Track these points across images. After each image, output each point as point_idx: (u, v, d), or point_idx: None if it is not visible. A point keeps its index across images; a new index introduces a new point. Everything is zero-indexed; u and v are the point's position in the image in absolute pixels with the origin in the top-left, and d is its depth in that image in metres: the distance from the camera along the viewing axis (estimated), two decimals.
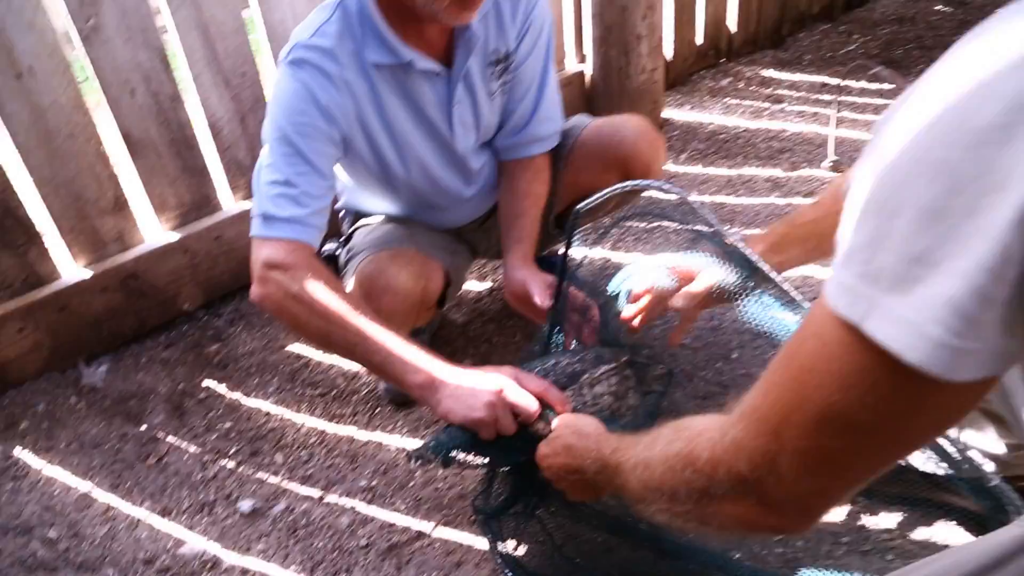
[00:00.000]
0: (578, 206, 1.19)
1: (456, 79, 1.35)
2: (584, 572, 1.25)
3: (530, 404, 1.07)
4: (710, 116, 2.83)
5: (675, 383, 1.54)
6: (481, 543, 1.38)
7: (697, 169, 2.52)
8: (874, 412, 0.51)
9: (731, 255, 1.08)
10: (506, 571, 1.26)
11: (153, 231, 1.98)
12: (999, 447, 1.12)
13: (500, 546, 1.30)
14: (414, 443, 1.62)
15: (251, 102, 1.96)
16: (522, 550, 1.34)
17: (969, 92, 0.44)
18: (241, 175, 2.03)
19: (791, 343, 0.58)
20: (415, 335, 1.46)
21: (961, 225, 0.43)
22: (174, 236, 1.97)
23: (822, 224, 1.12)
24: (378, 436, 1.66)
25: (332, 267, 1.55)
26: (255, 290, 1.21)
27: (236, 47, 1.88)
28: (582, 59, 2.67)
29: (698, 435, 0.69)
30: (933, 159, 0.45)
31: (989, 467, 0.89)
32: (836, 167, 2.38)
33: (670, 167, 2.56)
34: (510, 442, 1.10)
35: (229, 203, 2.07)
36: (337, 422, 1.71)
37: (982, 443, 1.13)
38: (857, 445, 0.55)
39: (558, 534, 1.33)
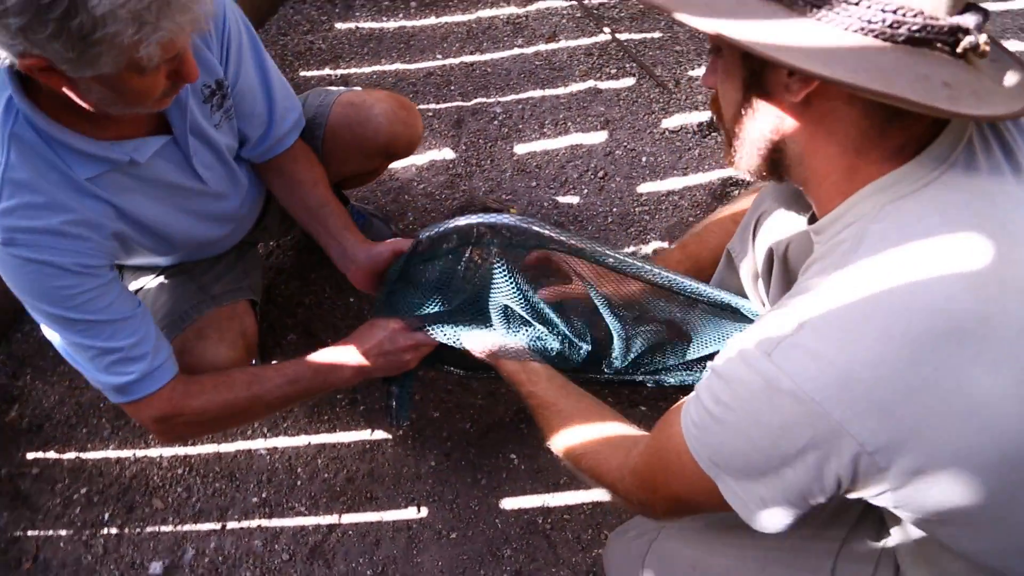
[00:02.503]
0: (424, 234, 1.24)
1: (183, 138, 1.20)
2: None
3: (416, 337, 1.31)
4: None
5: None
6: (390, 514, 1.59)
7: (429, 21, 2.41)
8: (711, 505, 0.84)
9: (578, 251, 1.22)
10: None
11: None
12: None
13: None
14: (278, 441, 1.71)
15: None
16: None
17: (767, 403, 0.71)
18: None
19: (663, 439, 0.90)
20: None
21: (766, 474, 0.75)
22: None
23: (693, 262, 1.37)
24: (242, 444, 1.72)
25: None
26: (162, 439, 1.27)
27: None
28: None
29: (604, 459, 1.04)
30: (747, 432, 0.74)
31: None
32: None
33: (403, 23, 2.42)
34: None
35: None
36: (191, 444, 1.73)
37: None
38: (699, 508, 0.90)
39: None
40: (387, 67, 2.32)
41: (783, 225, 1.15)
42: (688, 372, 1.36)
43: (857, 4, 0.67)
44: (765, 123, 0.81)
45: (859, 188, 0.76)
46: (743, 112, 0.82)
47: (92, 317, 1.10)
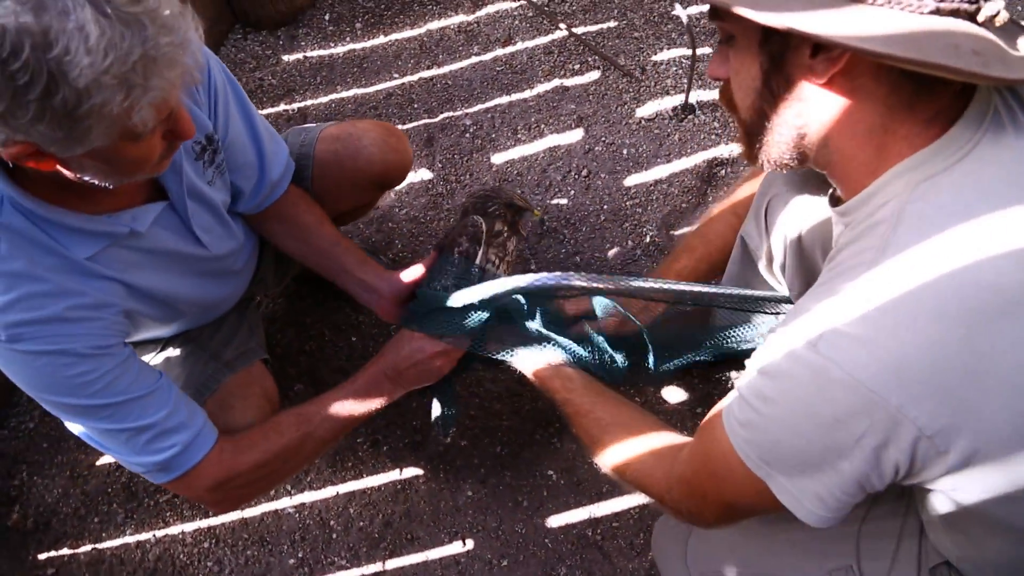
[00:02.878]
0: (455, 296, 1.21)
1: (180, 202, 1.14)
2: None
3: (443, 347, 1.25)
4: None
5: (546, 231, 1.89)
6: (435, 552, 1.55)
7: (379, 40, 2.35)
8: (762, 507, 0.83)
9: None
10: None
11: None
12: None
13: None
14: (304, 497, 1.65)
15: None
16: None
17: (819, 395, 0.71)
18: None
19: (707, 445, 0.88)
20: None
21: (822, 468, 0.74)
22: None
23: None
24: (267, 506, 1.65)
25: None
26: (219, 508, 1.24)
27: None
28: None
29: (649, 470, 1.02)
30: (799, 426, 0.73)
31: None
32: None
33: (351, 47, 2.35)
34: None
35: None
36: (213, 515, 1.66)
37: None
38: (751, 512, 0.91)
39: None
40: (344, 94, 2.25)
41: (795, 208, 1.15)
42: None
43: None
44: (788, 108, 0.80)
45: (889, 166, 0.76)
46: (762, 99, 0.81)
47: (117, 399, 1.03)
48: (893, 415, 0.67)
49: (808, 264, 1.17)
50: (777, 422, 0.75)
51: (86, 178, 0.88)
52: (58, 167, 0.85)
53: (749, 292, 1.26)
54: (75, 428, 1.09)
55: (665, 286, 1.20)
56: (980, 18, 0.71)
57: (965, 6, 0.70)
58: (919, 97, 0.73)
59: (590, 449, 1.15)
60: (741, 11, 0.70)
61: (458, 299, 1.20)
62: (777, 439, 0.76)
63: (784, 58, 0.77)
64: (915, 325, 0.67)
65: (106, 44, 0.72)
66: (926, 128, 0.74)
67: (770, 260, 1.28)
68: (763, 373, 0.78)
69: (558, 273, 1.17)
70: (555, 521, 1.56)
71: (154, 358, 1.36)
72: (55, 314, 0.97)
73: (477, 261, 1.27)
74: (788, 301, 1.26)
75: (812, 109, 0.79)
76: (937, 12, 0.70)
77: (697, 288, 1.22)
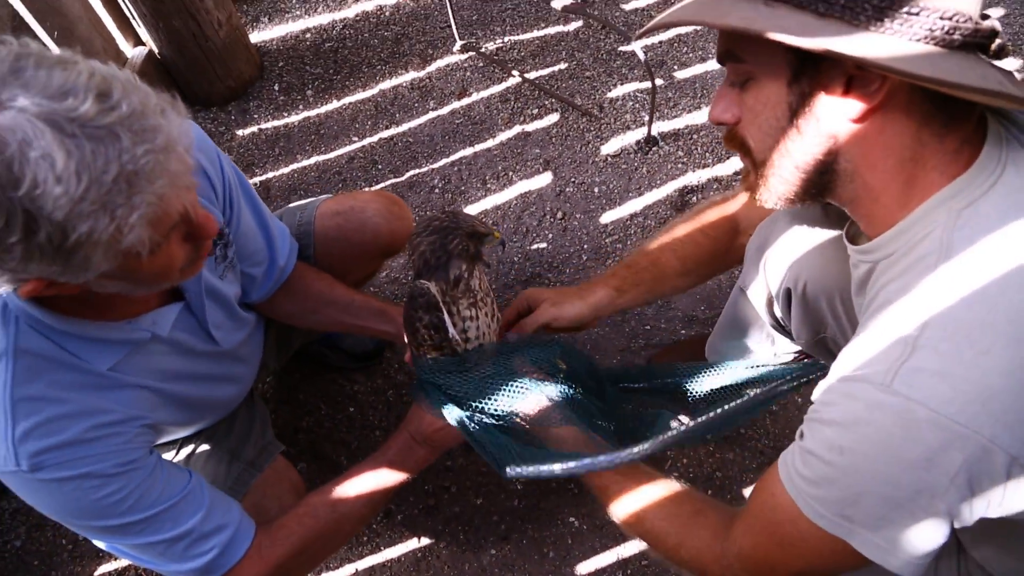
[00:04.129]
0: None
1: (198, 301, 1.11)
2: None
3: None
4: (300, 22, 2.55)
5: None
6: None
7: (332, 105, 2.35)
8: (841, 568, 0.80)
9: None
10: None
11: None
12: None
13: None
14: None
15: None
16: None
17: (905, 437, 0.68)
18: None
19: (767, 512, 0.84)
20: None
21: (914, 513, 0.71)
22: None
23: (657, 266, 1.28)
24: None
25: None
26: None
27: None
28: (137, 41, 2.15)
29: (692, 541, 0.96)
30: (888, 472, 0.70)
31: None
32: (468, 47, 2.39)
33: (305, 114, 2.34)
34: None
35: None
36: None
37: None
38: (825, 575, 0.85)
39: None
40: (305, 162, 2.24)
41: (798, 257, 1.15)
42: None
43: (918, 15, 0.69)
44: (816, 146, 0.80)
45: (923, 198, 0.77)
46: (787, 139, 0.81)
47: (149, 512, 0.98)
48: (985, 446, 0.66)
49: (814, 311, 1.17)
50: (859, 473, 0.72)
51: (111, 292, 0.85)
52: (80, 291, 0.82)
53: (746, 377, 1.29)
54: (104, 546, 1.04)
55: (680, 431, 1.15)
56: (992, 49, 0.72)
57: (985, 39, 0.72)
58: (948, 128, 0.75)
59: (615, 516, 1.07)
60: (783, 38, 0.70)
61: (454, 392, 1.15)
62: (859, 491, 0.72)
63: (813, 95, 0.77)
64: (993, 352, 0.66)
65: (76, 167, 0.66)
66: (956, 157, 0.75)
67: (770, 302, 1.28)
68: (829, 423, 0.74)
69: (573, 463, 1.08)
70: (584, 568, 1.54)
71: (173, 459, 1.31)
72: (76, 436, 0.92)
73: (451, 334, 1.16)
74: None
75: (842, 145, 0.79)
76: (963, 47, 0.71)
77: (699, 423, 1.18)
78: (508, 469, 1.09)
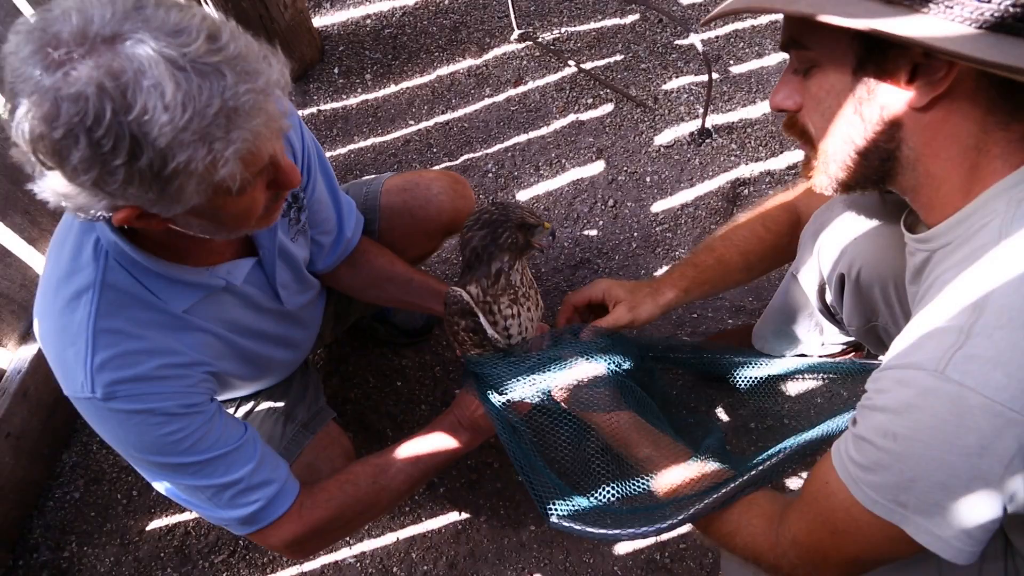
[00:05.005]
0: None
1: (270, 258, 1.15)
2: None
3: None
4: (361, 9, 2.61)
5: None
6: None
7: (390, 89, 2.40)
8: (893, 556, 0.81)
9: None
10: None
11: None
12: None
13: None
14: (364, 546, 1.63)
15: None
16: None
17: (959, 424, 0.68)
18: None
19: (820, 500, 0.84)
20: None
21: (969, 500, 0.70)
22: None
23: (722, 263, 1.29)
24: (326, 559, 1.63)
25: None
26: (293, 557, 1.26)
27: None
28: None
29: (745, 529, 0.96)
30: (941, 459, 0.70)
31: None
32: (525, 37, 2.42)
33: (364, 97, 2.40)
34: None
35: None
36: (271, 571, 1.63)
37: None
38: (879, 563, 0.85)
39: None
40: (362, 143, 2.29)
41: (853, 244, 1.15)
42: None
43: (989, 2, 0.69)
44: (879, 134, 0.80)
45: (984, 187, 0.77)
46: (850, 126, 0.81)
47: (205, 456, 1.04)
48: None
49: (867, 299, 1.17)
50: (912, 459, 0.72)
51: (194, 233, 0.89)
52: (167, 227, 0.87)
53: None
54: (160, 486, 1.09)
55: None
56: None
57: None
58: (1013, 117, 0.74)
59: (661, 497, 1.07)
60: (854, 23, 0.71)
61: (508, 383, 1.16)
62: (913, 477, 0.72)
63: (879, 83, 0.77)
64: None
65: (183, 99, 0.70)
66: (1020, 147, 0.75)
67: (822, 294, 1.29)
68: (882, 410, 0.75)
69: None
70: (622, 547, 1.55)
71: (233, 414, 1.36)
72: (148, 373, 0.98)
73: (489, 334, 1.16)
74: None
75: (905, 133, 0.79)
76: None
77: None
78: (553, 517, 1.08)
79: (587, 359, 1.17)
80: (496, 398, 1.18)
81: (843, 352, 1.55)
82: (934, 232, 0.83)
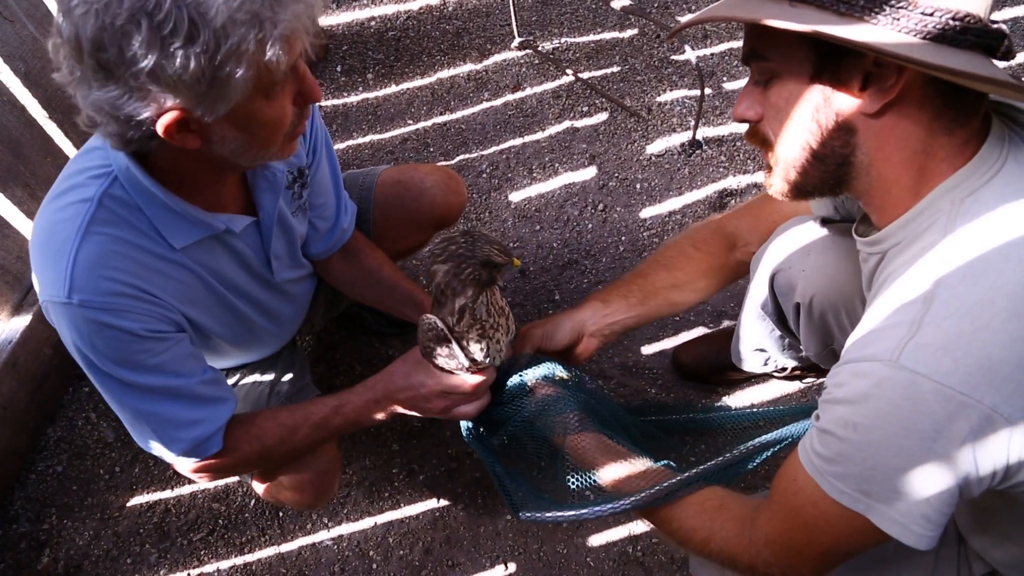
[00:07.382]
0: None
1: (268, 221, 1.18)
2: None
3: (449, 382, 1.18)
4: (366, 11, 2.67)
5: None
6: None
7: (390, 89, 2.45)
8: (863, 545, 0.84)
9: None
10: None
11: None
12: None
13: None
14: (342, 529, 1.66)
15: None
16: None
17: (913, 409, 0.72)
18: None
19: (789, 496, 0.87)
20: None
21: (926, 484, 0.74)
22: None
23: (644, 277, 1.32)
24: (303, 540, 1.65)
25: None
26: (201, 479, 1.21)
27: None
28: None
29: (719, 528, 0.98)
30: (899, 444, 0.74)
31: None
32: (526, 45, 2.48)
33: (364, 96, 2.45)
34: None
35: None
36: (249, 551, 1.65)
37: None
38: (849, 555, 0.88)
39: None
40: (360, 140, 2.34)
41: (806, 276, 1.21)
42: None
43: (932, 15, 0.75)
44: (834, 140, 0.84)
45: (931, 187, 0.82)
46: (808, 134, 0.85)
47: (162, 382, 1.05)
48: (988, 415, 0.70)
49: (822, 325, 1.24)
50: (872, 446, 0.75)
51: (225, 153, 0.92)
52: (201, 147, 0.89)
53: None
54: (113, 402, 1.09)
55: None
56: (1000, 51, 0.77)
57: (994, 40, 0.77)
58: (957, 122, 0.80)
59: (657, 528, 1.09)
60: (809, 29, 0.75)
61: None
62: (874, 464, 0.76)
63: (833, 91, 0.81)
64: (993, 326, 0.71)
65: None
66: (963, 150, 0.80)
67: (781, 319, 1.35)
68: (842, 402, 0.78)
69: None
70: (596, 540, 1.58)
71: None
72: (123, 290, 0.98)
73: (459, 363, 1.16)
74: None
75: (859, 138, 0.83)
76: (973, 46, 0.76)
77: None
78: (522, 513, 1.14)
79: (553, 386, 1.20)
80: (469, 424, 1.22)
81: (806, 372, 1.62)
82: (885, 233, 0.87)
